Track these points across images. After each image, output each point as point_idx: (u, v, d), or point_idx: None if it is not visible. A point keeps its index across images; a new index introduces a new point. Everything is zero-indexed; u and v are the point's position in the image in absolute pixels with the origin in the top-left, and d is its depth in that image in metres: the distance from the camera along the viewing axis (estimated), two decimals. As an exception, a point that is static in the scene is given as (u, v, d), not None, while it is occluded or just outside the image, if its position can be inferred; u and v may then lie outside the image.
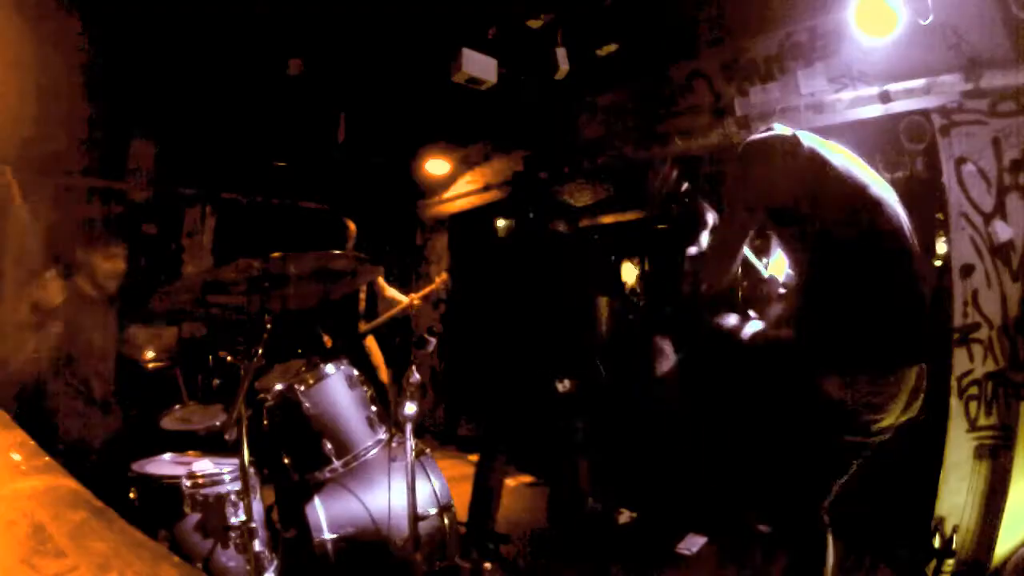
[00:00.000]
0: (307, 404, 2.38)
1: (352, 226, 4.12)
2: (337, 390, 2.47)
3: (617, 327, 4.61)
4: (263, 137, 4.90)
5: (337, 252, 1.98)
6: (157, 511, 2.13)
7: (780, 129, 1.81)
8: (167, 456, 2.46)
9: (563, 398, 3.11)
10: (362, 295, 4.17)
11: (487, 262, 5.24)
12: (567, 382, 3.12)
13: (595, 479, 3.29)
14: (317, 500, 2.36)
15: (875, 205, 1.71)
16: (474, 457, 5.07)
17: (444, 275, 4.16)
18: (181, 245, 5.17)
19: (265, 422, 2.42)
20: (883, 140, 3.11)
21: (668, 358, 2.13)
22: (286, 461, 2.41)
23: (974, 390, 2.67)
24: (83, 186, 4.55)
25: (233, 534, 2.08)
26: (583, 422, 3.22)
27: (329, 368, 2.49)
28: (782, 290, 1.98)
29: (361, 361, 3.89)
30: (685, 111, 3.86)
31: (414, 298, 4.06)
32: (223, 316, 1.95)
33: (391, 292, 4.32)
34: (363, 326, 4.11)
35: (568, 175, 4.74)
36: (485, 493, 3.15)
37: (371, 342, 4.23)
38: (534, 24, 3.40)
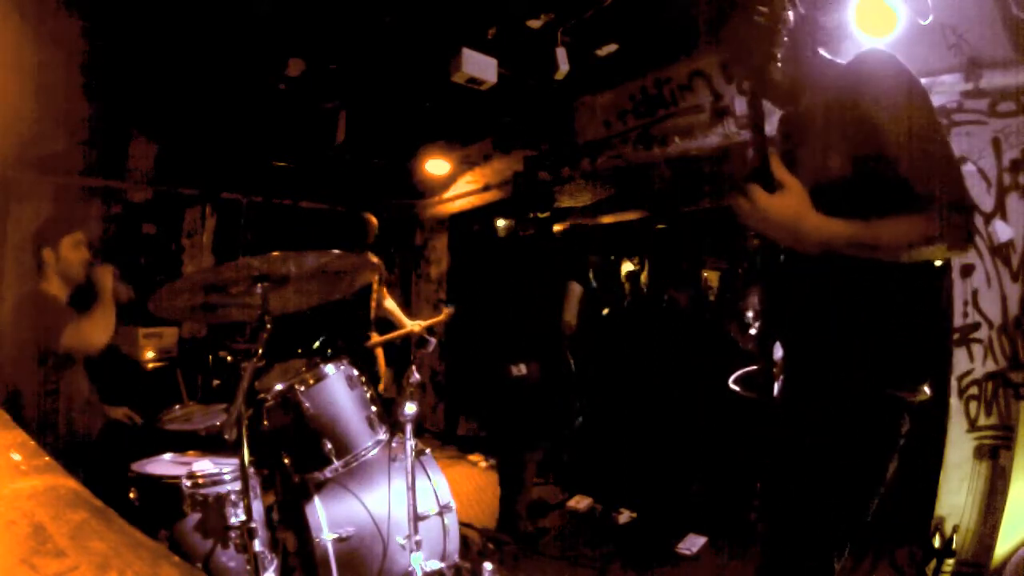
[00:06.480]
0: (307, 404, 2.38)
1: (374, 221, 4.12)
2: (337, 390, 2.46)
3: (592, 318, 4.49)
4: (263, 137, 4.90)
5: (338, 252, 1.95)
6: (157, 511, 2.13)
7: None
8: (167, 456, 2.46)
9: (517, 382, 2.99)
10: (373, 303, 4.14)
11: (478, 261, 5.21)
12: (522, 366, 3.00)
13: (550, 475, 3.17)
14: (317, 500, 2.37)
15: None
16: (474, 457, 5.11)
17: (450, 309, 4.06)
18: (181, 245, 5.18)
19: (265, 422, 2.42)
20: (883, 140, 3.11)
21: None
22: (286, 461, 2.41)
23: (974, 390, 2.67)
24: (83, 186, 4.56)
25: (233, 534, 2.09)
26: (542, 410, 3.10)
27: (329, 368, 2.49)
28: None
29: (364, 361, 3.87)
30: (685, 111, 3.86)
31: (417, 326, 3.76)
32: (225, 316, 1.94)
33: (391, 305, 4.29)
34: (374, 338, 4.07)
35: (568, 175, 4.74)
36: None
37: (378, 350, 4.24)
38: (534, 24, 3.39)
